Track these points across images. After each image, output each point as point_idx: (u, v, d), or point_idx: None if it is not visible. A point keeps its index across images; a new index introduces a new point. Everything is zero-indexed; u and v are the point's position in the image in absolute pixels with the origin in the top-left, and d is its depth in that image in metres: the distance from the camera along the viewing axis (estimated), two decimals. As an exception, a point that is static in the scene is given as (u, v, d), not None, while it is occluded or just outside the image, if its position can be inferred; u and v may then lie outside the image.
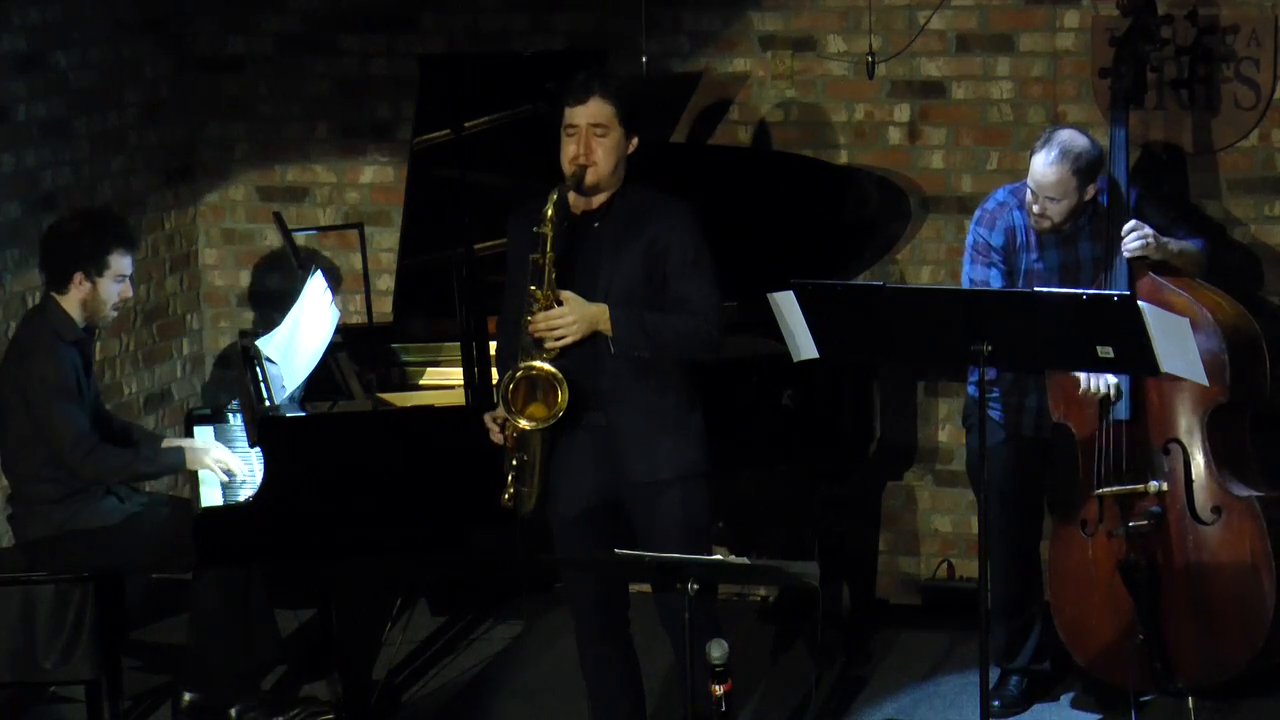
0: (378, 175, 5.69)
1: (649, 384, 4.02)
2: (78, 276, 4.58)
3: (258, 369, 4.83)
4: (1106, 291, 4.14)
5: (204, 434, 4.98)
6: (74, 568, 4.46)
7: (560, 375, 3.92)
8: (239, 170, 5.79)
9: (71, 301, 4.59)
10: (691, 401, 4.09)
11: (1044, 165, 4.41)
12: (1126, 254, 4.42)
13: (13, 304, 5.11)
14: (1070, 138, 4.43)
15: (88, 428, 4.54)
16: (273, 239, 5.69)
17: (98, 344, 5.25)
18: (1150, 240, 4.42)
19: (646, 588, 4.11)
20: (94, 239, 4.61)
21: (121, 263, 4.63)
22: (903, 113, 5.27)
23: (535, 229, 3.93)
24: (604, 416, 4.02)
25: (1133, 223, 4.43)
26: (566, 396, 3.92)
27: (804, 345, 4.01)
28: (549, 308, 3.94)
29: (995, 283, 4.54)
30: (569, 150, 3.96)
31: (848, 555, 5.14)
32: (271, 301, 5.64)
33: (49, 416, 4.49)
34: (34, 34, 5.21)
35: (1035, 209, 4.47)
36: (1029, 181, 4.47)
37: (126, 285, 4.65)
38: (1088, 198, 4.46)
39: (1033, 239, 4.56)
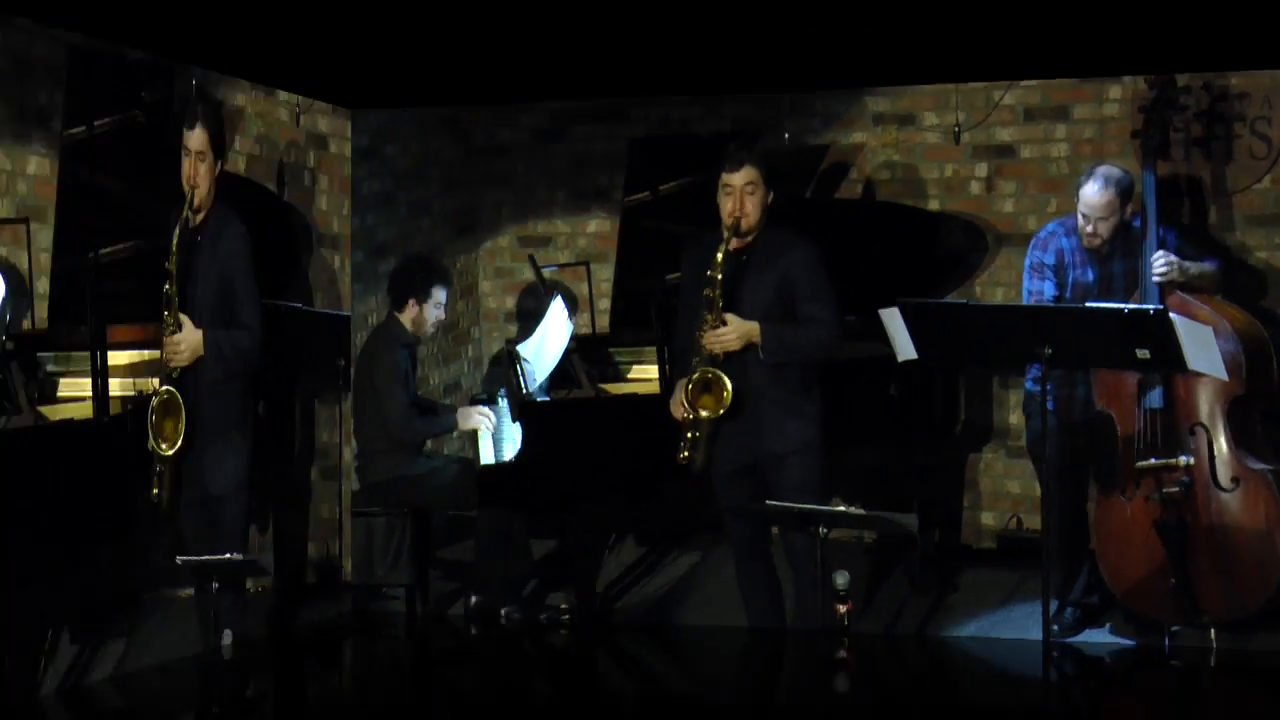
0: (599, 226, 5.50)
1: (781, 380, 3.89)
2: (411, 301, 4.66)
3: (518, 366, 4.79)
4: (1144, 306, 3.77)
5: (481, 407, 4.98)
6: (398, 505, 4.53)
7: (728, 380, 3.82)
8: (505, 224, 5.72)
9: (405, 318, 4.68)
10: (810, 393, 3.94)
11: (1095, 193, 4.07)
12: (1155, 279, 4.01)
13: (358, 322, 5.12)
14: (1109, 169, 4.11)
15: (408, 407, 4.58)
16: (527, 273, 5.66)
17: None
18: (1174, 267, 4.01)
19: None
20: (424, 276, 4.70)
21: (440, 294, 4.69)
22: (981, 170, 4.91)
23: (708, 272, 3.83)
24: (749, 404, 3.89)
25: (1160, 253, 4.02)
26: (730, 394, 3.82)
27: (906, 349, 3.76)
28: (717, 327, 3.86)
29: (1048, 291, 4.16)
30: (727, 206, 3.89)
31: (939, 510, 4.84)
32: (526, 318, 5.60)
33: (385, 395, 4.57)
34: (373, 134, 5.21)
35: (1089, 230, 4.08)
36: (1081, 209, 4.08)
37: (442, 311, 4.73)
38: (1127, 216, 4.09)
39: (1079, 258, 4.16)
